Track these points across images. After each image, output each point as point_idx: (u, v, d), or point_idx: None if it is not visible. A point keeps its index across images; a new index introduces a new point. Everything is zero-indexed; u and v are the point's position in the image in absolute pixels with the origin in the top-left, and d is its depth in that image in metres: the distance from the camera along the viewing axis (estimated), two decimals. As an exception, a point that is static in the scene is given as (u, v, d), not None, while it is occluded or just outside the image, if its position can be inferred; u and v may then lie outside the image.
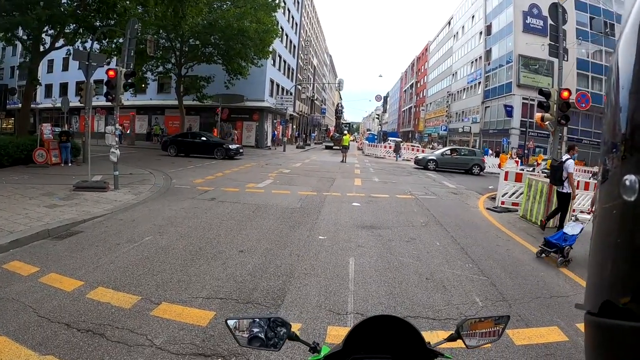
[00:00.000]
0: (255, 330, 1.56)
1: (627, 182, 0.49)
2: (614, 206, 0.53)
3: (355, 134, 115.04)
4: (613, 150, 0.56)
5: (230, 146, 28.55)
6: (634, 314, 0.47)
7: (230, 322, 1.56)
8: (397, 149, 41.56)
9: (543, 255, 8.42)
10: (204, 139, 29.30)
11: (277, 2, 35.38)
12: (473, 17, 69.94)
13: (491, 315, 1.67)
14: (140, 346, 4.12)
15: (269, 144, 47.78)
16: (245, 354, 4.07)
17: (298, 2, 63.11)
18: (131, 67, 14.41)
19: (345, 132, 45.59)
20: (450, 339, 1.60)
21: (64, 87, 51.28)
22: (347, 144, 34.46)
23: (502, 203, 14.56)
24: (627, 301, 0.50)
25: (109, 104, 13.99)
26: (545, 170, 14.93)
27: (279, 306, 5.23)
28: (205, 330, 4.50)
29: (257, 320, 1.58)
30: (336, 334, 4.54)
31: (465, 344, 1.59)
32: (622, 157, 0.53)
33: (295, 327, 3.39)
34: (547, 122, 13.59)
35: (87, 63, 14.31)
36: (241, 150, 29.60)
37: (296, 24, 62.24)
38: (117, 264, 6.50)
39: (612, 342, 0.51)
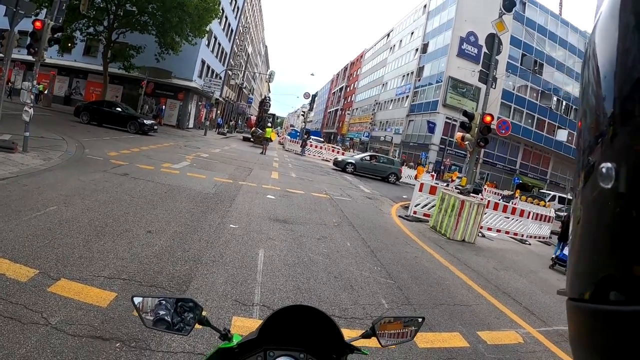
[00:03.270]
0: (162, 312, 1.49)
1: (604, 170, 0.52)
2: (591, 195, 0.56)
3: (279, 128, 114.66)
4: (588, 140, 0.59)
5: (144, 121, 27.69)
6: (616, 299, 0.51)
7: (137, 300, 1.49)
8: (303, 144, 42.94)
9: (555, 266, 12.31)
10: (119, 109, 28.20)
11: (222, -19, 34.61)
12: (412, 33, 71.98)
13: (406, 316, 1.71)
14: (35, 324, 3.90)
15: (191, 125, 46.75)
16: (145, 339, 3.97)
17: (244, -14, 62.28)
18: (60, 21, 13.65)
19: (269, 124, 45.32)
20: (365, 335, 1.61)
21: (-18, 33, 47.33)
22: (269, 137, 34.39)
23: (415, 212, 15.08)
24: (605, 286, 0.53)
25: (30, 58, 13.20)
26: (459, 187, 15.65)
27: (184, 292, 5.13)
28: (105, 312, 4.34)
29: (166, 300, 1.51)
30: (241, 325, 4.55)
31: (379, 342, 1.62)
32: (598, 146, 0.56)
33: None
34: (467, 142, 14.28)
35: (14, 10, 13.35)
36: (155, 127, 28.89)
37: (238, 7, 61.20)
38: (17, 232, 6.10)
39: (592, 325, 0.55)
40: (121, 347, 3.81)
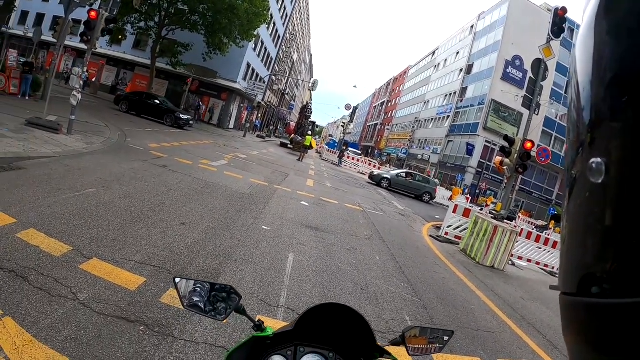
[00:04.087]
0: (201, 296, 1.51)
1: (594, 165, 0.53)
2: (582, 191, 0.57)
3: (317, 137, 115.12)
4: (578, 138, 0.60)
5: (181, 115, 28.19)
6: (604, 292, 0.51)
7: (178, 280, 1.52)
8: (341, 155, 42.53)
9: None
10: (157, 102, 28.84)
11: (273, -12, 35.06)
12: (458, 53, 71.32)
13: (437, 327, 1.68)
14: (63, 298, 3.96)
15: (231, 126, 47.23)
16: (169, 326, 3.98)
17: (294, -5, 62.92)
18: (114, 13, 14.03)
19: (309, 132, 45.38)
20: (394, 343, 1.59)
21: (39, 18, 48.72)
22: (309, 144, 34.41)
23: (446, 234, 14.83)
24: (594, 280, 0.53)
25: (82, 46, 13.63)
26: (494, 212, 15.37)
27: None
28: (133, 295, 4.37)
29: (206, 284, 1.53)
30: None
31: (407, 351, 1.59)
32: (588, 143, 0.56)
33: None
34: (505, 167, 14.03)
35: (70, -1, 13.80)
36: (191, 122, 29.32)
37: (287, 15, 61.78)
38: (55, 209, 6.25)
39: (583, 318, 0.56)
40: (145, 331, 3.82)
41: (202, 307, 1.51)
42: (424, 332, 1.62)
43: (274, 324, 4.60)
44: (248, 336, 1.49)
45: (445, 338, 1.67)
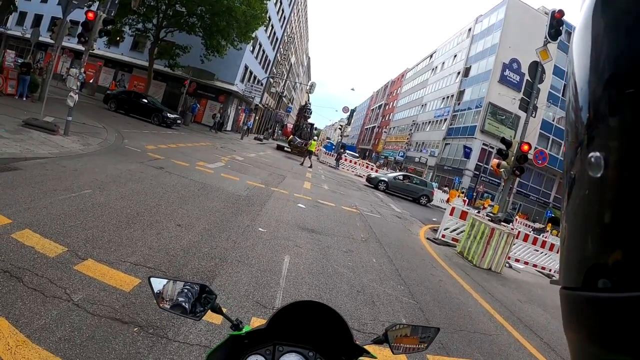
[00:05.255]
0: (177, 295, 1.49)
1: (593, 159, 0.53)
2: (582, 186, 0.57)
3: (316, 138, 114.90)
4: (577, 138, 0.60)
5: (168, 114, 28.25)
6: (610, 285, 0.51)
7: (154, 281, 1.49)
8: (338, 158, 42.65)
9: None
10: (145, 101, 28.95)
11: (271, -9, 35.07)
12: (455, 56, 71.33)
13: (421, 325, 1.66)
14: (57, 299, 3.95)
15: (229, 128, 47.16)
16: (163, 327, 3.97)
17: (293, -2, 62.96)
18: (112, 14, 14.04)
19: (316, 138, 44.98)
20: (377, 341, 1.57)
21: (37, 19, 48.67)
22: (313, 149, 34.37)
23: (443, 236, 14.84)
24: (594, 274, 0.53)
25: (79, 47, 13.63)
26: (491, 214, 15.37)
27: (207, 287, 5.11)
28: (127, 296, 4.36)
29: (182, 284, 1.51)
30: (259, 326, 4.50)
31: (391, 349, 1.58)
32: (587, 138, 0.57)
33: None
34: (502, 170, 14.05)
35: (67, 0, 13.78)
36: (179, 121, 29.59)
37: (285, 17, 61.79)
38: (50, 210, 6.24)
39: (584, 313, 0.56)
40: (138, 332, 3.81)
41: (178, 307, 1.49)
42: (407, 330, 1.61)
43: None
44: (226, 336, 1.49)
45: (430, 336, 1.65)
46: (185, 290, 1.50)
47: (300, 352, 1.48)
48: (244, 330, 1.50)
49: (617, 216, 0.51)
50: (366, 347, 1.51)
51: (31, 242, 4.94)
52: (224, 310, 1.56)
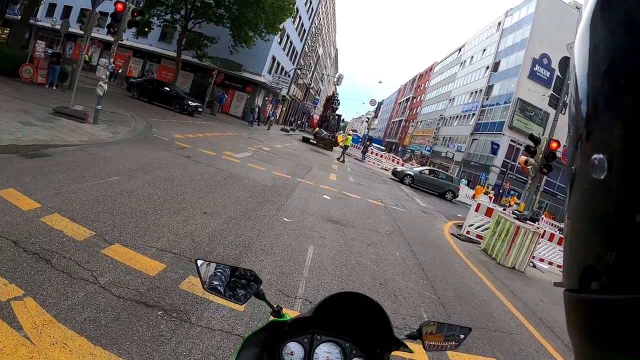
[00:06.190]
0: (222, 279, 1.52)
1: (596, 161, 0.52)
2: (585, 188, 0.56)
3: (341, 132, 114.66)
4: (577, 132, 0.59)
5: (189, 102, 28.49)
6: (604, 288, 0.51)
7: (200, 263, 1.52)
8: (364, 151, 42.36)
9: None
10: (167, 89, 29.27)
11: (299, -18, 34.91)
12: (484, 50, 70.26)
13: (454, 324, 1.66)
14: (84, 281, 4.03)
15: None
16: (187, 312, 4.02)
17: (320, -11, 62.67)
18: (141, 5, 14.16)
19: (351, 132, 44.26)
20: (411, 336, 1.57)
21: (66, 10, 49.37)
22: (349, 144, 34.19)
23: (468, 233, 14.71)
24: (595, 275, 0.53)
25: (108, 38, 13.78)
26: (517, 212, 15.16)
27: (231, 275, 5.15)
28: (152, 281, 4.42)
29: (227, 268, 1.54)
30: (281, 315, 4.52)
31: (424, 346, 1.56)
32: (585, 137, 0.56)
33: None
34: (529, 167, 13.82)
35: (97, -9, 13.99)
36: (200, 109, 29.78)
37: (312, 9, 61.56)
38: (79, 195, 6.36)
39: (586, 314, 0.55)
40: (162, 316, 3.86)
41: (222, 290, 1.51)
42: (440, 328, 1.60)
43: (290, 315, 4.59)
44: (266, 321, 1.50)
45: (462, 336, 1.65)
46: (231, 276, 1.54)
47: (337, 342, 1.50)
48: (286, 317, 1.53)
49: (616, 218, 0.50)
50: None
51: (60, 225, 5.04)
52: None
